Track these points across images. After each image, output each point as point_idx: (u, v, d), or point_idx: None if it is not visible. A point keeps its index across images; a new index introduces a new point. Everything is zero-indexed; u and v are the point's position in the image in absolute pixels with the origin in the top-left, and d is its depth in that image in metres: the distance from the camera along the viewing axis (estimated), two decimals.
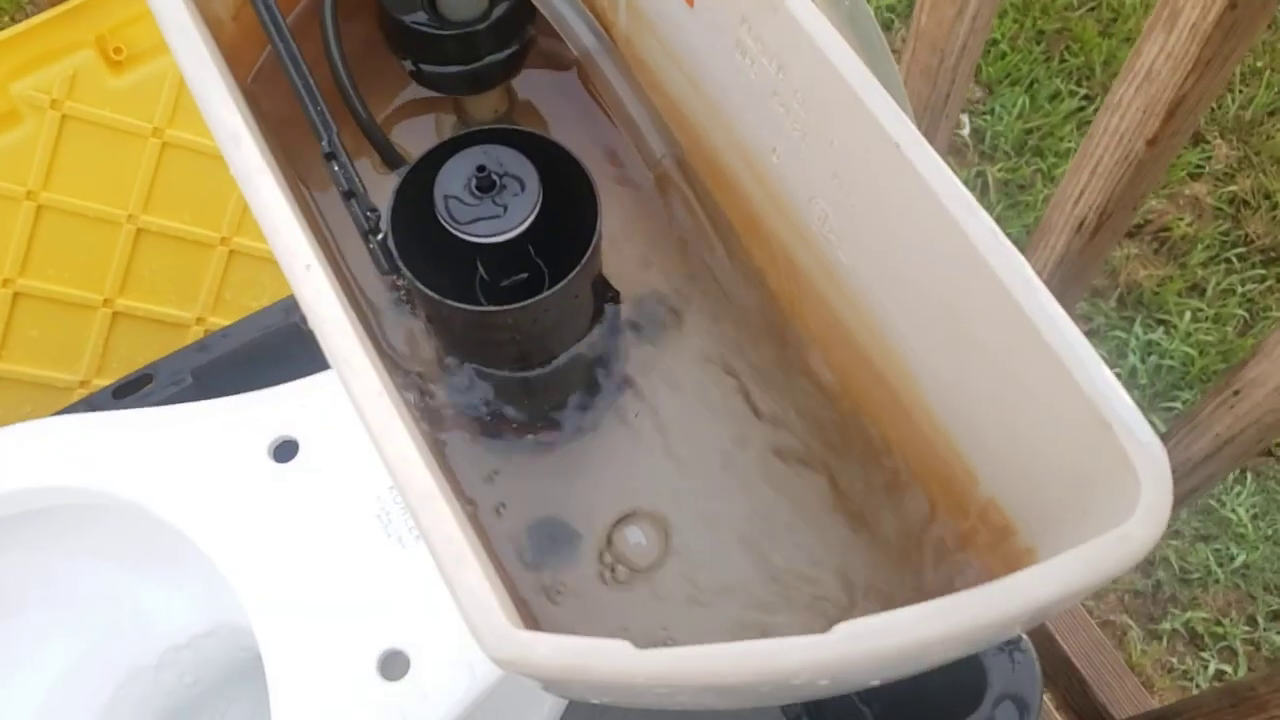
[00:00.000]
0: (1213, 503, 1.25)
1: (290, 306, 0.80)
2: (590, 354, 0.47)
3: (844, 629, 0.29)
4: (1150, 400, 1.30)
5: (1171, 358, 1.32)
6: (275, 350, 0.79)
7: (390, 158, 0.48)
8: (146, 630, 0.67)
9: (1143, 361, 1.32)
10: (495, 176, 0.40)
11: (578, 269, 0.41)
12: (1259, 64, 1.52)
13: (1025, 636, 0.71)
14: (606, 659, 0.29)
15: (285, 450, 0.61)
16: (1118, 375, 1.30)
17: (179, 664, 0.69)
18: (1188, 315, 1.34)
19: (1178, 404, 1.28)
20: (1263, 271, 1.38)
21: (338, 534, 0.59)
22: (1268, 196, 1.43)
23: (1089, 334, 1.33)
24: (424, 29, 0.50)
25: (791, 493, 0.44)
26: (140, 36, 0.86)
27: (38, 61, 0.83)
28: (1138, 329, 1.34)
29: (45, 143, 0.84)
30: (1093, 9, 1.56)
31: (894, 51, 1.20)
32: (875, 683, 0.33)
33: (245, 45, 0.51)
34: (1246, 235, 1.41)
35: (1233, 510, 1.26)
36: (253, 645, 0.67)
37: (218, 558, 0.58)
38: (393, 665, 0.56)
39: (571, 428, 0.49)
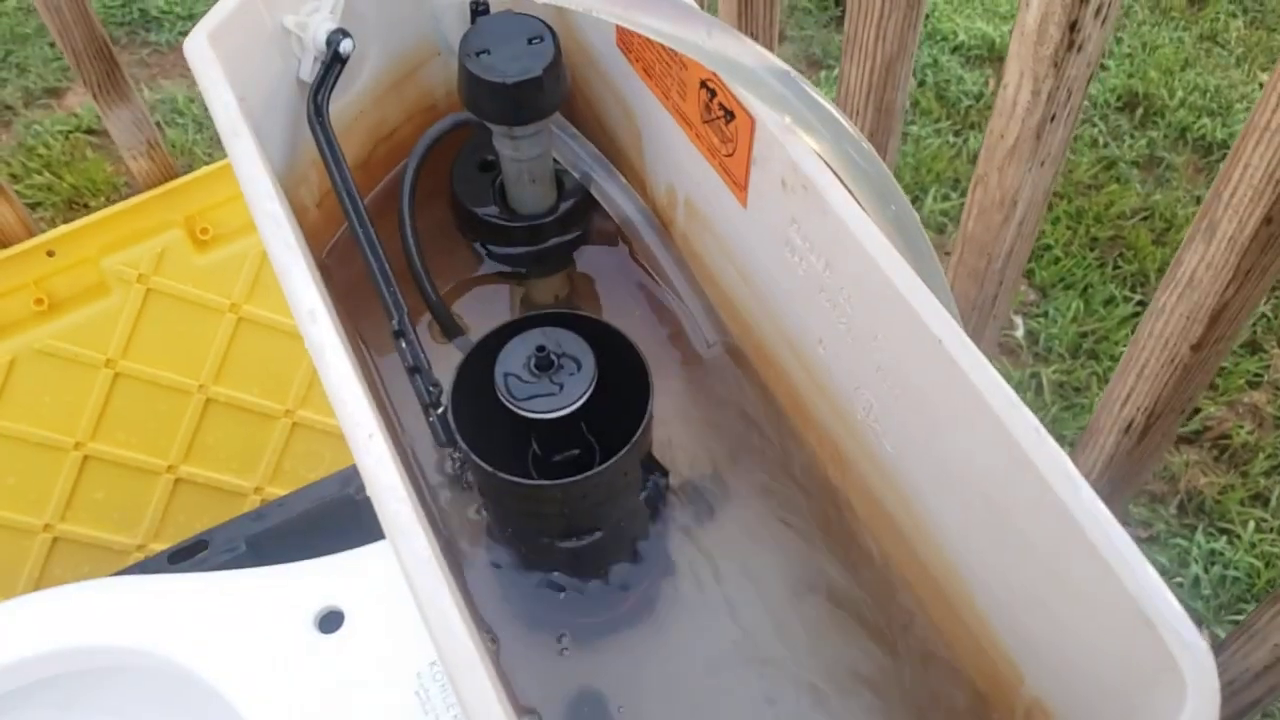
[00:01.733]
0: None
1: (347, 478, 0.82)
2: (636, 528, 0.48)
3: None
4: (1215, 612, 1.26)
5: (1236, 568, 1.28)
6: (329, 521, 0.81)
7: (452, 331, 0.50)
8: None
9: (1206, 571, 1.28)
10: (554, 357, 0.42)
11: (627, 448, 0.42)
12: None
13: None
14: None
15: (331, 621, 0.61)
16: (1179, 585, 1.27)
17: None
18: (1251, 525, 1.31)
19: (1243, 616, 1.24)
20: None
21: (376, 707, 0.58)
22: None
23: (1149, 540, 1.31)
24: (495, 221, 0.53)
25: (843, 661, 0.44)
26: (226, 218, 0.91)
27: (130, 239, 0.88)
28: (1199, 538, 1.31)
29: (128, 314, 0.88)
30: (1146, 218, 1.60)
31: (945, 254, 1.23)
32: None
33: (325, 226, 0.54)
34: None
35: None
36: None
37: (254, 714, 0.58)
38: None
39: (615, 599, 0.49)
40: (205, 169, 0.90)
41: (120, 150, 0.88)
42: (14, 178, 1.40)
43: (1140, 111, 1.71)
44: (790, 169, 0.41)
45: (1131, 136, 1.68)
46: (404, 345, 0.45)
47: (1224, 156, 1.65)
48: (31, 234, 0.88)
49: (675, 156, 0.49)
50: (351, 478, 0.81)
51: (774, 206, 0.43)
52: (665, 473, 0.48)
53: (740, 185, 0.44)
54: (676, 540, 0.50)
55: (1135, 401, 0.57)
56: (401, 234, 0.50)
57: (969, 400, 0.35)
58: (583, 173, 0.54)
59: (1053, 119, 0.52)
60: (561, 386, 0.42)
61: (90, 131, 1.50)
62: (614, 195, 0.53)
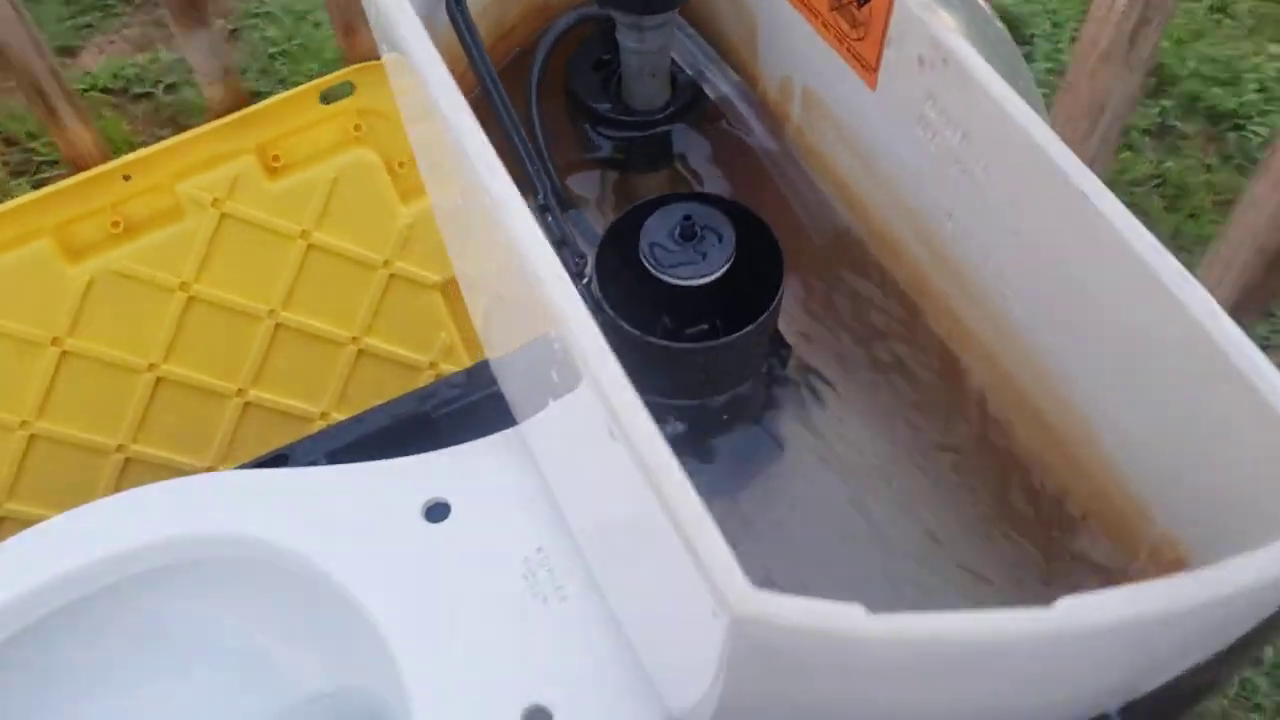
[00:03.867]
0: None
1: (424, 395, 0.84)
2: (756, 404, 0.50)
3: (1065, 602, 0.31)
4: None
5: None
6: (408, 436, 0.83)
7: (567, 207, 0.52)
8: (276, 684, 0.69)
9: None
10: (698, 227, 0.44)
11: (766, 313, 0.44)
12: None
13: None
14: (843, 620, 0.31)
15: (437, 512, 0.64)
16: None
17: (303, 713, 0.70)
18: None
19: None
20: None
21: (486, 592, 0.61)
22: None
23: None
24: (609, 115, 0.56)
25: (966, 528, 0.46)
26: (296, 147, 0.93)
27: (204, 165, 0.90)
28: None
29: (202, 239, 0.90)
30: (1158, 185, 1.62)
31: None
32: (1084, 673, 0.35)
33: None
34: None
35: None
36: (374, 711, 0.69)
37: (370, 607, 0.60)
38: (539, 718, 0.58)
39: (731, 473, 0.52)
40: (276, 97, 0.91)
41: (196, 77, 0.89)
42: (31, 135, 1.41)
43: (1153, 81, 1.73)
44: (930, 45, 0.43)
45: (1144, 105, 1.70)
46: (550, 219, 0.47)
47: (1234, 126, 1.68)
48: (107, 158, 0.89)
49: (795, 47, 0.51)
50: (429, 395, 0.83)
51: (907, 85, 0.45)
52: (788, 347, 0.50)
53: (870, 68, 0.47)
54: (793, 417, 0.52)
55: (1220, 294, 0.59)
56: (528, 118, 0.52)
57: (1113, 249, 0.38)
58: (696, 69, 0.56)
59: (1147, 23, 0.55)
60: (704, 255, 0.45)
61: (107, 90, 1.50)
62: (726, 90, 0.55)
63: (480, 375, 0.79)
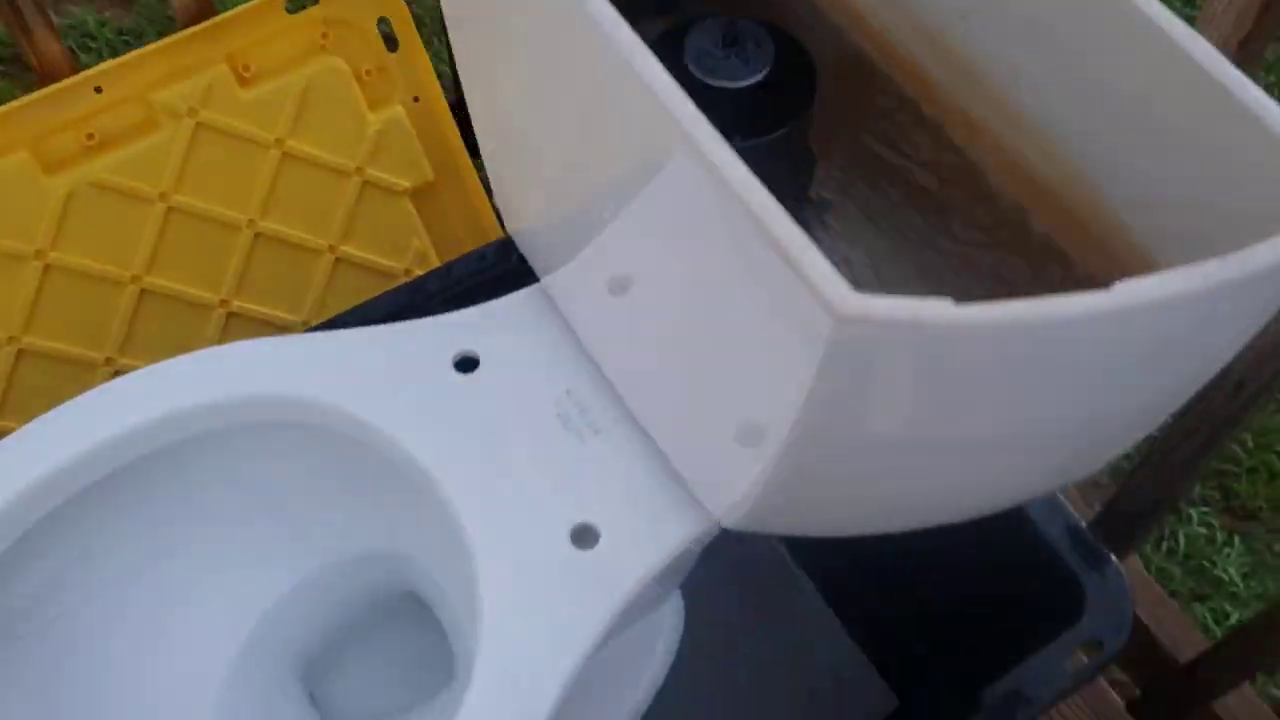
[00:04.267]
0: (1205, 564, 1.33)
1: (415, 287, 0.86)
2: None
3: (1121, 284, 0.36)
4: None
5: None
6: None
7: None
8: (312, 545, 0.71)
9: (1112, 479, 1.40)
10: (739, 35, 0.48)
11: (804, 116, 0.49)
12: None
13: (1115, 561, 0.78)
14: (934, 310, 0.35)
15: (467, 364, 0.67)
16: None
17: (335, 582, 0.73)
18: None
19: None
20: None
21: (522, 431, 0.64)
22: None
23: None
24: None
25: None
26: (266, 57, 0.94)
27: (175, 76, 0.91)
28: None
29: (179, 148, 0.91)
30: None
31: None
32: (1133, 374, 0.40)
33: None
34: None
35: (1224, 570, 1.34)
36: (404, 576, 0.72)
37: (413, 452, 0.63)
38: (584, 537, 0.62)
39: None
40: (242, 7, 0.92)
41: None
42: None
43: None
44: None
45: None
46: None
47: None
48: (77, 70, 0.90)
49: None
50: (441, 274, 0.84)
51: None
52: (814, 158, 0.55)
53: None
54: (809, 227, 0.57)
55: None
56: None
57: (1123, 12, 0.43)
58: None
59: None
60: (748, 60, 0.49)
61: None
62: None
63: (467, 264, 0.81)
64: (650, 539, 0.61)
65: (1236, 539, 1.36)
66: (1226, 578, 1.32)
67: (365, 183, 0.98)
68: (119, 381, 0.65)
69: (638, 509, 0.62)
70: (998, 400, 0.41)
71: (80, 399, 0.63)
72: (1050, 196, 0.51)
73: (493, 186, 0.67)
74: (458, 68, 0.60)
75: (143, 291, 0.93)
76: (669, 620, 0.87)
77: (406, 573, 0.73)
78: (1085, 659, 0.76)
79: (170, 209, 0.92)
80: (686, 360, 0.54)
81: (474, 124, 0.63)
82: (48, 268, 0.89)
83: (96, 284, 0.91)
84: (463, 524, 0.61)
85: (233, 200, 0.94)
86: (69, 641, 0.64)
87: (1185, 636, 0.91)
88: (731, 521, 0.59)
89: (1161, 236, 0.47)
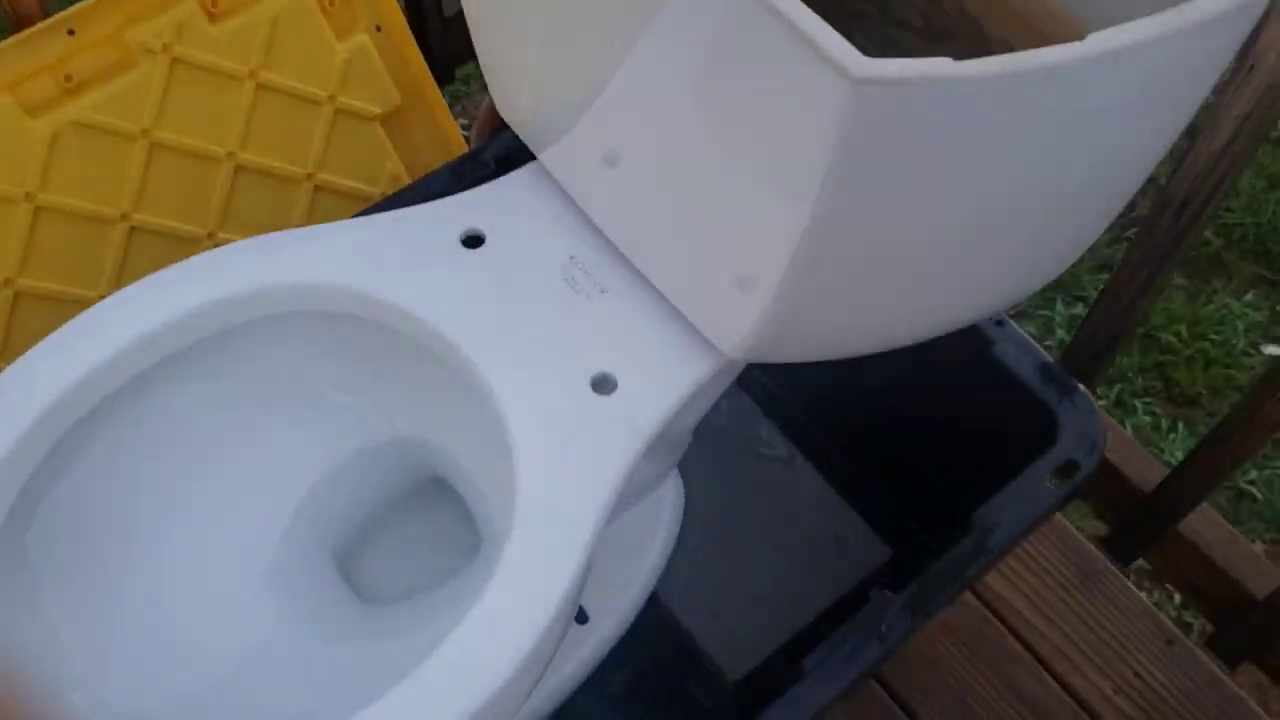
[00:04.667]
0: (1154, 450, 1.41)
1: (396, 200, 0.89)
2: None
3: (1093, 36, 0.41)
4: None
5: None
6: None
7: None
8: (344, 432, 0.75)
9: (1069, 335, 1.47)
10: None
11: None
12: None
13: (1082, 389, 0.84)
14: (937, 66, 0.40)
15: (473, 241, 0.71)
16: (1049, 348, 1.45)
17: (366, 467, 0.77)
18: (1101, 289, 1.52)
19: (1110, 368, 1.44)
20: None
21: (533, 296, 0.69)
22: (1151, 180, 1.62)
23: (1016, 317, 1.49)
24: None
25: None
26: None
27: (145, 14, 0.93)
28: (1059, 307, 1.52)
29: (157, 84, 0.93)
30: None
31: None
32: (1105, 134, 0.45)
33: None
34: (1139, 216, 1.60)
35: (1171, 454, 1.41)
36: (431, 461, 0.76)
37: (434, 323, 0.67)
38: (603, 385, 0.66)
39: None
40: None
41: None
42: None
43: None
44: None
45: None
46: None
47: None
48: (47, 14, 0.91)
49: None
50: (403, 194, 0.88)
51: None
52: None
53: None
54: None
55: None
56: None
57: None
58: None
59: None
60: None
61: None
62: None
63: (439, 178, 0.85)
64: (665, 380, 0.66)
65: (1180, 424, 1.44)
66: (1174, 460, 1.41)
67: (337, 110, 1.01)
68: (141, 283, 0.68)
69: (651, 355, 0.66)
70: (994, 170, 0.46)
71: (109, 300, 0.66)
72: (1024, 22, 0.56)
73: (484, 69, 0.70)
74: None
75: (132, 228, 0.95)
76: (670, 499, 0.92)
77: (433, 458, 0.77)
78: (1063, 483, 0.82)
79: (153, 145, 0.94)
80: (690, 204, 0.59)
81: (464, 4, 0.67)
82: (38, 209, 0.91)
83: (87, 223, 0.93)
84: (488, 383, 0.65)
85: (212, 134, 0.97)
86: (126, 527, 0.68)
87: (1148, 468, 0.98)
88: (740, 352, 0.64)
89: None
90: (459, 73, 1.31)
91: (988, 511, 0.79)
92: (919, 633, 1.04)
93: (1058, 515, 1.15)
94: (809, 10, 0.40)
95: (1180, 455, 1.38)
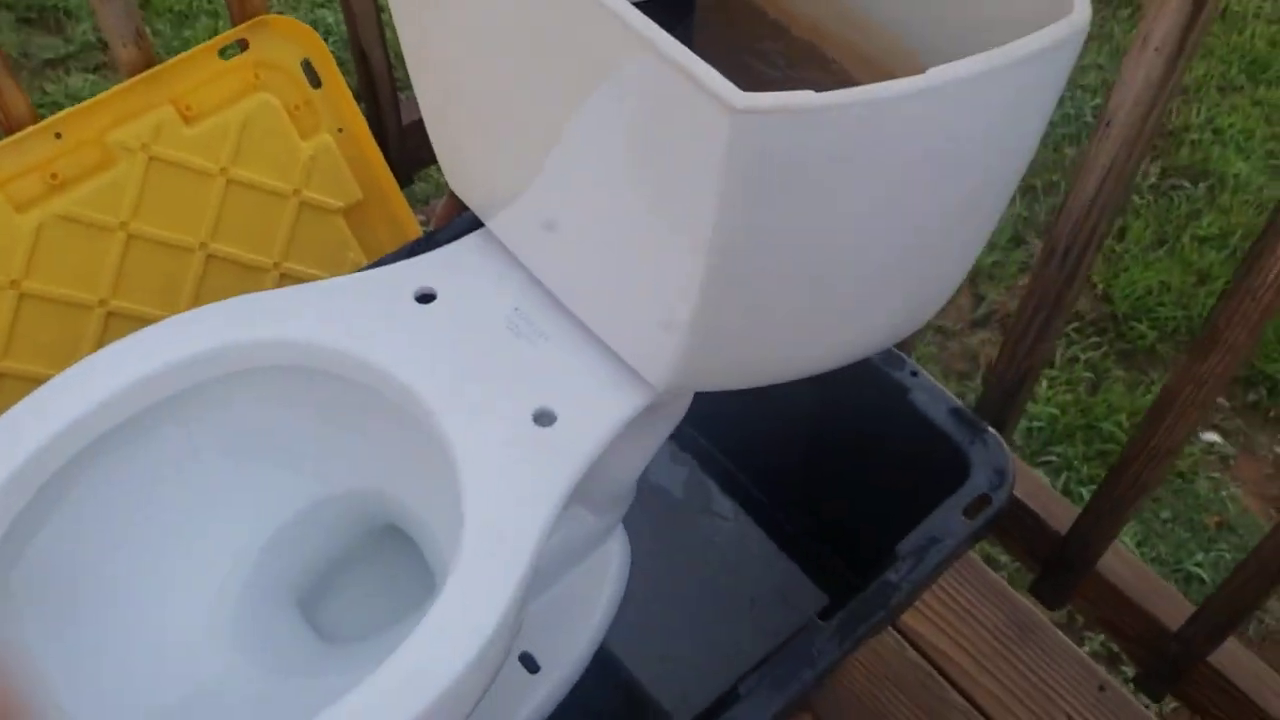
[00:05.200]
0: None
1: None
2: None
3: (934, 70, 0.49)
4: (1030, 458, 1.53)
5: (1039, 419, 1.58)
6: None
7: None
8: (304, 483, 0.81)
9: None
10: None
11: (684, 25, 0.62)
12: (1054, 177, 1.86)
13: (990, 430, 0.92)
14: (801, 98, 0.48)
15: (425, 298, 0.78)
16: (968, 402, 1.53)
17: (325, 516, 0.82)
18: (1045, 383, 1.61)
19: (1053, 457, 1.52)
20: (1097, 339, 1.68)
21: (480, 343, 0.76)
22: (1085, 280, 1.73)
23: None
24: None
25: None
26: (206, 97, 1.05)
27: (126, 118, 1.01)
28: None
29: (135, 180, 1.01)
30: None
31: None
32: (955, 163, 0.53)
33: None
34: (1078, 313, 1.70)
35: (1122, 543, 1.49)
36: (386, 509, 0.82)
37: (391, 370, 0.74)
38: (544, 418, 0.73)
39: None
40: (179, 56, 1.04)
41: (109, 39, 1.01)
42: None
43: None
44: None
45: None
46: None
47: None
48: (37, 120, 1.00)
49: None
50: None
51: None
52: None
53: None
54: None
55: None
56: None
57: None
58: None
59: None
60: None
61: None
62: None
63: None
64: (601, 412, 0.73)
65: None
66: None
67: (302, 203, 1.10)
68: (119, 342, 0.74)
69: (586, 390, 0.73)
70: (863, 192, 0.54)
71: (90, 358, 0.72)
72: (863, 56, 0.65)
73: (436, 150, 0.79)
74: (398, 30, 0.73)
75: (109, 314, 1.02)
76: (616, 553, 0.98)
77: (389, 507, 0.83)
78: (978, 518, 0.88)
79: (130, 236, 1.02)
80: (615, 256, 0.66)
81: (417, 93, 0.75)
82: (22, 296, 0.98)
83: (68, 309, 1.00)
84: (439, 420, 0.72)
85: (186, 226, 1.05)
86: (101, 569, 0.73)
87: (1063, 510, 1.05)
88: (665, 384, 0.71)
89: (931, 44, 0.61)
90: (416, 175, 1.40)
91: (907, 545, 0.85)
92: (864, 685, 1.10)
93: (992, 574, 1.22)
94: (692, 54, 0.49)
95: (1131, 543, 1.45)
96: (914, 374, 0.94)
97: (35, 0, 1.89)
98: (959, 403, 0.92)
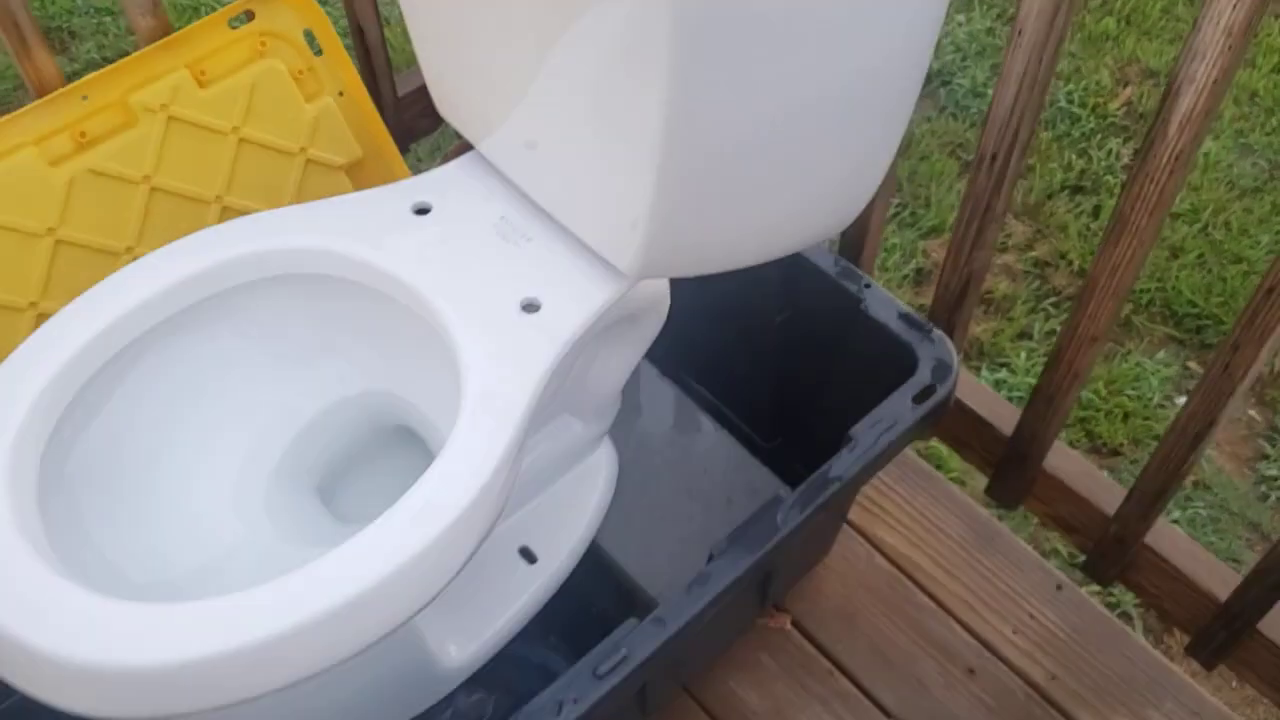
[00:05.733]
0: None
1: None
2: None
3: None
4: None
5: (1019, 389, 1.68)
6: None
7: None
8: (325, 384, 0.91)
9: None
10: None
11: None
12: (1031, 160, 1.97)
13: (936, 329, 1.01)
14: None
15: (422, 211, 0.88)
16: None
17: (343, 414, 0.92)
18: (1023, 354, 1.71)
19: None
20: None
21: (472, 247, 0.86)
22: (1063, 256, 1.84)
23: None
24: None
25: None
26: (218, 63, 1.16)
27: (147, 81, 1.12)
28: (985, 372, 1.71)
29: (156, 138, 1.11)
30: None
31: None
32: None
33: None
34: (1054, 287, 1.81)
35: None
36: (393, 413, 0.92)
37: (392, 270, 0.84)
38: (531, 307, 0.83)
39: None
40: (192, 25, 1.14)
41: (128, 10, 1.11)
42: None
43: None
44: None
45: None
46: None
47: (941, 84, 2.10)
48: (65, 84, 1.10)
49: None
50: None
51: None
52: None
53: None
54: None
55: None
56: None
57: None
58: None
59: None
60: None
61: None
62: None
63: None
64: (581, 298, 0.83)
65: (1105, 473, 1.61)
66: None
67: (308, 160, 1.20)
68: (156, 252, 0.84)
69: (567, 281, 0.84)
70: (792, 62, 0.64)
71: (131, 265, 0.82)
72: None
73: (426, 78, 0.89)
74: None
75: (135, 260, 1.12)
76: (605, 461, 1.08)
77: (398, 407, 0.93)
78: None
79: (153, 189, 1.12)
80: (583, 163, 0.77)
81: (409, 24, 0.86)
82: (58, 243, 1.08)
83: (98, 255, 1.10)
84: (439, 312, 0.82)
85: (202, 180, 1.15)
86: (147, 458, 0.83)
87: (1008, 413, 1.14)
88: (635, 271, 0.81)
89: None
90: (410, 147, 1.50)
91: (861, 428, 0.95)
92: (837, 590, 1.19)
93: (956, 489, 1.31)
94: None
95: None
96: (867, 285, 1.04)
97: (40, 21, 2.01)
98: (908, 308, 1.03)
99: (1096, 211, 1.89)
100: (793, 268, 1.06)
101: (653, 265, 0.80)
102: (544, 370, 0.79)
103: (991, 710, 1.16)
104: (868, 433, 0.94)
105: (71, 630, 0.65)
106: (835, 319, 1.05)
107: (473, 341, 0.80)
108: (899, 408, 0.96)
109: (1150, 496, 1.01)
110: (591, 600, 1.06)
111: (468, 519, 0.73)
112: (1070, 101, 2.06)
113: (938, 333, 1.00)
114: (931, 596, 1.24)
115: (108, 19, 2.14)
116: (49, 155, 1.08)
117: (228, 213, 1.16)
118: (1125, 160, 1.98)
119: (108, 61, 1.96)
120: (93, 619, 0.66)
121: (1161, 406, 1.70)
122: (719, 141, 0.69)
